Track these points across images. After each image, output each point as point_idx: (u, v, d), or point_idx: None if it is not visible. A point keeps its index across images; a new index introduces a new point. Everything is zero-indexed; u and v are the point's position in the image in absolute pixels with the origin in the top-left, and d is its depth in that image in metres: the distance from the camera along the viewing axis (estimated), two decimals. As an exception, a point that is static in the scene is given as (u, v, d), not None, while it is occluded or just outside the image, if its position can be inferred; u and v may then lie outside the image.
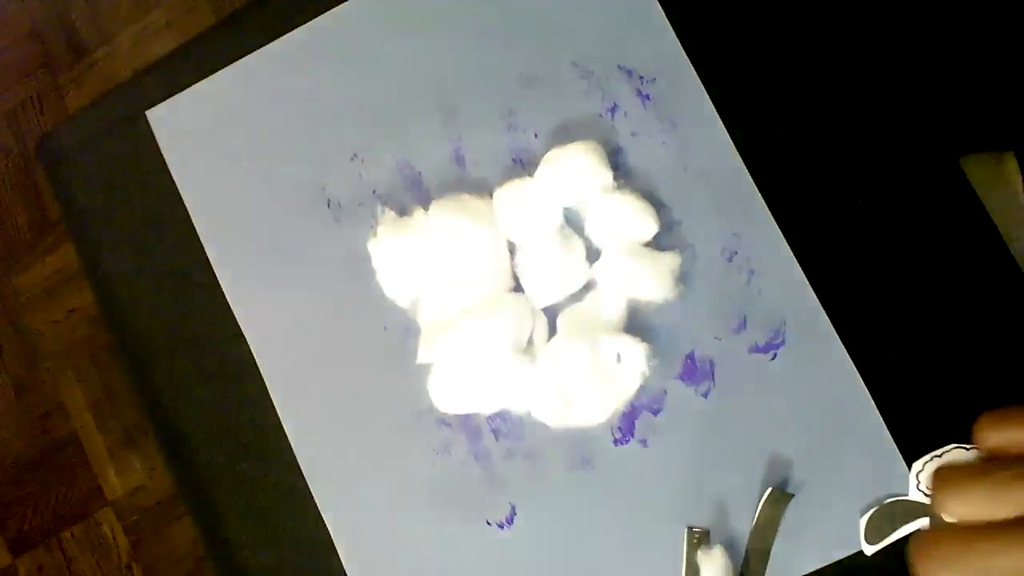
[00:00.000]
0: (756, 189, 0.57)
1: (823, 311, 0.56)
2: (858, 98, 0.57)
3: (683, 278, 0.57)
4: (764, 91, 0.58)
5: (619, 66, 0.60)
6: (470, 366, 0.57)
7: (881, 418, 0.54)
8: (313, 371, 0.62)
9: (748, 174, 0.57)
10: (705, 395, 0.57)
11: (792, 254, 0.56)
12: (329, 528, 0.61)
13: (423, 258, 0.59)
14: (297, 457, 0.62)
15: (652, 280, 0.56)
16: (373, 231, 0.61)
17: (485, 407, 0.59)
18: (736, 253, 0.57)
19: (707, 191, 0.58)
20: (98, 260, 0.68)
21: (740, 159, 0.58)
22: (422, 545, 0.59)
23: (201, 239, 0.65)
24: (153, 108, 0.66)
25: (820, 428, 0.55)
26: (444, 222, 0.59)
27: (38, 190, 1.62)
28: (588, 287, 0.58)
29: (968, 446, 0.52)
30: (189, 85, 0.66)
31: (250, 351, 0.63)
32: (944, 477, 0.35)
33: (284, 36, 0.65)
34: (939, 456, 0.53)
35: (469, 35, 0.62)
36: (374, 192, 0.63)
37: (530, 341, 0.58)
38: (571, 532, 0.57)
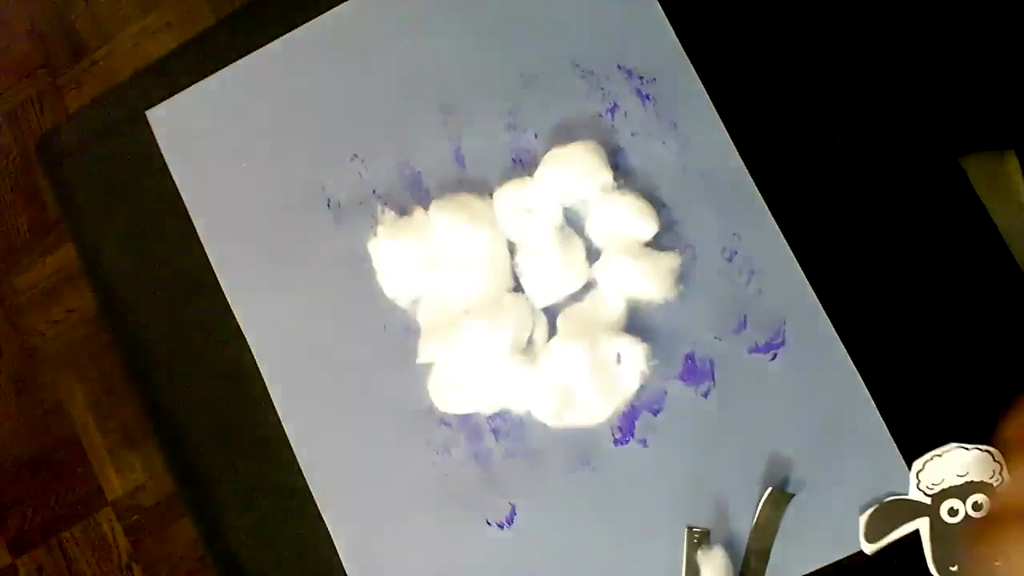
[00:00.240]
0: (756, 189, 0.57)
1: (823, 311, 0.56)
2: (858, 98, 0.57)
3: (683, 278, 0.57)
4: (764, 91, 0.58)
5: (619, 66, 0.60)
6: (470, 366, 0.57)
7: (881, 418, 0.54)
8: (313, 371, 0.62)
9: (748, 174, 0.57)
10: (705, 395, 0.57)
11: (792, 254, 0.56)
12: (329, 528, 0.61)
13: (423, 258, 0.59)
14: (297, 457, 0.62)
15: (652, 280, 0.56)
16: (373, 231, 0.61)
17: (485, 407, 0.59)
18: (736, 253, 0.57)
19: (707, 191, 0.58)
20: (98, 260, 0.68)
21: (740, 159, 0.57)
22: (422, 545, 0.59)
23: (201, 239, 0.65)
24: (153, 108, 0.66)
25: (820, 428, 0.55)
26: (444, 222, 0.59)
27: (38, 190, 1.62)
28: (588, 287, 0.58)
29: (968, 446, 0.53)
30: (189, 85, 0.66)
31: (250, 351, 0.63)
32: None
33: (284, 36, 0.65)
34: (939, 456, 0.53)
35: (469, 35, 0.62)
36: (374, 192, 0.63)
37: (530, 341, 0.58)
38: (571, 532, 0.57)
